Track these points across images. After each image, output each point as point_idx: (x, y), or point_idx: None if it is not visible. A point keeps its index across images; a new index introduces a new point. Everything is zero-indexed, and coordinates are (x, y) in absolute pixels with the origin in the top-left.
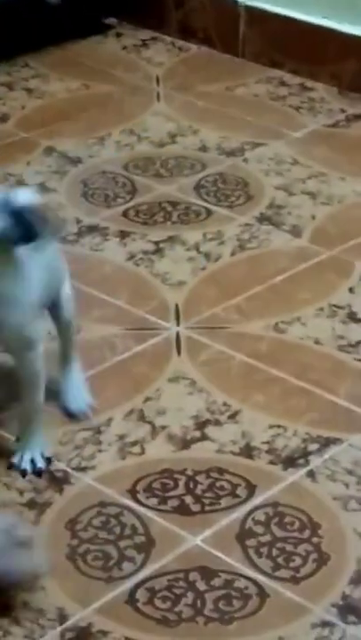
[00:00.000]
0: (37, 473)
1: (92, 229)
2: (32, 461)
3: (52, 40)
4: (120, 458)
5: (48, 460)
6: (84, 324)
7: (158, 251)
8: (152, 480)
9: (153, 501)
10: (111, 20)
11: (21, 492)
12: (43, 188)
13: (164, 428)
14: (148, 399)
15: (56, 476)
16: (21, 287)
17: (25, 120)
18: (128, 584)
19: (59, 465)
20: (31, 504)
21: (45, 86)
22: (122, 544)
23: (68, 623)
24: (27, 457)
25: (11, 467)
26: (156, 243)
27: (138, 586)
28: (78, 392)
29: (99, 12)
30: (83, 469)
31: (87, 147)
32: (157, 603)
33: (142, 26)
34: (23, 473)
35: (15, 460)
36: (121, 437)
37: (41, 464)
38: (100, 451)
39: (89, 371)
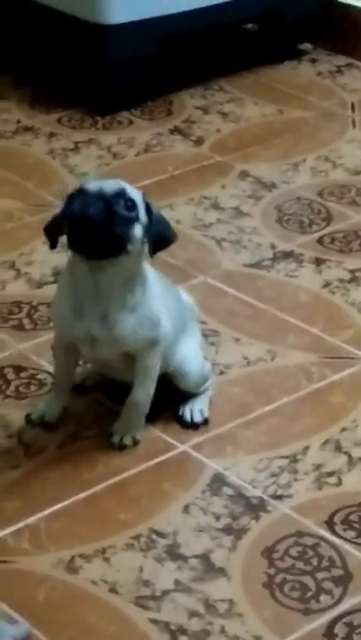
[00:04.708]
0: (121, 447)
1: (288, 255)
2: (121, 438)
3: (247, 65)
4: (317, 488)
5: (135, 442)
6: (279, 349)
7: (354, 279)
8: (349, 512)
9: (351, 534)
10: (306, 46)
11: (218, 518)
12: (237, 211)
13: None
14: (344, 429)
15: (252, 502)
16: (148, 296)
17: (219, 144)
18: (326, 617)
19: (255, 492)
20: (228, 530)
21: (240, 110)
22: (319, 576)
23: None
24: (119, 435)
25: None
26: (352, 271)
27: (336, 620)
28: (195, 404)
29: (294, 38)
30: (279, 497)
31: (281, 172)
32: (356, 639)
33: (337, 52)
34: (111, 445)
35: (112, 432)
36: (317, 467)
37: (128, 442)
38: (296, 479)
39: (283, 397)
